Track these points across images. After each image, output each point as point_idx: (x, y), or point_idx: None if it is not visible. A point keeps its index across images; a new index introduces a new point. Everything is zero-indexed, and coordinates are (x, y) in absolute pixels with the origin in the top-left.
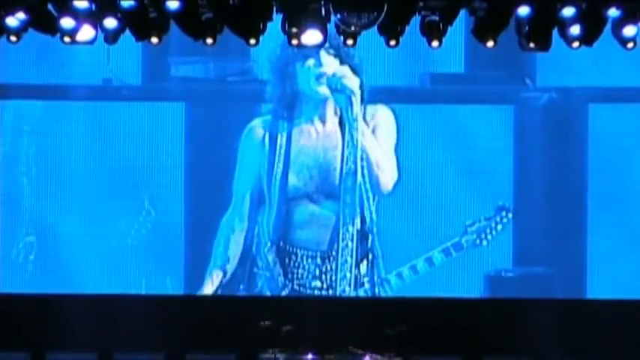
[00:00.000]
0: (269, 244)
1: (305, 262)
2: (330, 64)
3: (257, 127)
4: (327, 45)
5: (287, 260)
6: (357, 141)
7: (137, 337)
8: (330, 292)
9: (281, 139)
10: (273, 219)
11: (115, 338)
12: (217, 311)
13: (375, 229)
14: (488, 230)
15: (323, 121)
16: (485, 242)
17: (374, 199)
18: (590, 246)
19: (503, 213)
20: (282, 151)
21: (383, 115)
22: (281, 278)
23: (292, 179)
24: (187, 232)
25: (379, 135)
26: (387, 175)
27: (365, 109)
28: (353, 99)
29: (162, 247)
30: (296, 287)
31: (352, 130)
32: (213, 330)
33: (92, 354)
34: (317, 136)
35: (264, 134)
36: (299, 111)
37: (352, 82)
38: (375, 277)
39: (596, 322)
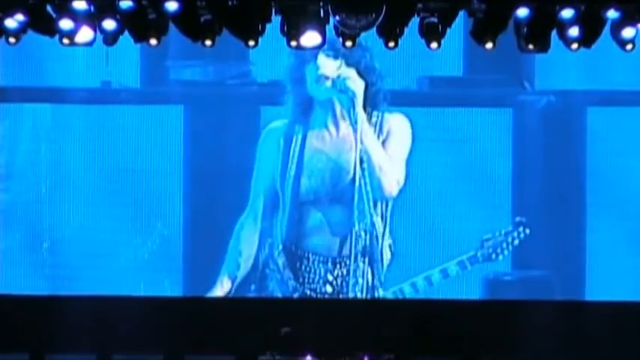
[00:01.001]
0: (280, 246)
1: (316, 267)
2: (328, 65)
3: (273, 130)
4: (325, 47)
5: (298, 264)
6: (356, 142)
7: (136, 339)
8: (342, 297)
9: (295, 142)
10: (285, 222)
11: (114, 340)
12: (216, 313)
13: (375, 233)
14: (504, 245)
15: (336, 123)
16: (500, 257)
17: (375, 203)
18: (589, 248)
19: (521, 228)
20: (296, 154)
21: (397, 123)
22: (292, 282)
23: (305, 182)
24: (186, 235)
25: (390, 141)
26: (391, 179)
27: (383, 115)
28: (355, 101)
29: (161, 249)
30: (307, 291)
31: (354, 132)
32: (211, 332)
33: (91, 355)
34: (331, 139)
35: (280, 137)
36: (314, 114)
37: (356, 84)
38: (375, 281)
39: (595, 323)
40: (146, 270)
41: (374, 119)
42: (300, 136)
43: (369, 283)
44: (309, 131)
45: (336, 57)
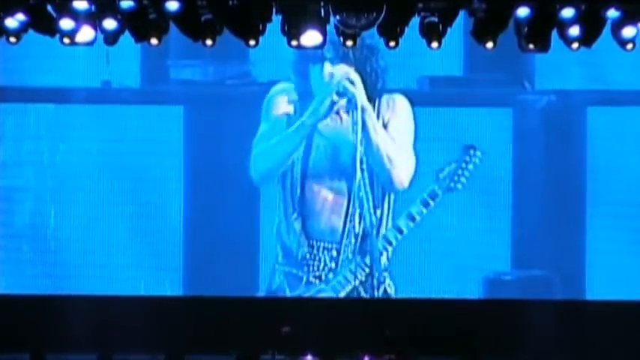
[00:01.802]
0: (295, 214)
1: (321, 254)
2: (336, 69)
3: (280, 95)
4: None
5: (303, 251)
6: (357, 144)
7: (136, 339)
8: (345, 283)
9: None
10: (290, 206)
11: (115, 339)
12: (217, 312)
13: (375, 233)
14: (460, 172)
15: (338, 113)
16: (459, 185)
17: (385, 197)
18: (589, 247)
19: (471, 151)
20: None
21: (399, 106)
22: (298, 271)
23: (310, 165)
24: (186, 234)
25: (393, 127)
26: (401, 171)
27: (380, 98)
28: (356, 103)
29: (161, 248)
30: (312, 279)
31: (354, 133)
32: (212, 331)
33: (92, 355)
34: (335, 126)
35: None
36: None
37: (356, 86)
38: (374, 280)
39: (595, 323)
40: (146, 270)
41: (374, 103)
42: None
43: (369, 279)
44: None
45: (343, 60)
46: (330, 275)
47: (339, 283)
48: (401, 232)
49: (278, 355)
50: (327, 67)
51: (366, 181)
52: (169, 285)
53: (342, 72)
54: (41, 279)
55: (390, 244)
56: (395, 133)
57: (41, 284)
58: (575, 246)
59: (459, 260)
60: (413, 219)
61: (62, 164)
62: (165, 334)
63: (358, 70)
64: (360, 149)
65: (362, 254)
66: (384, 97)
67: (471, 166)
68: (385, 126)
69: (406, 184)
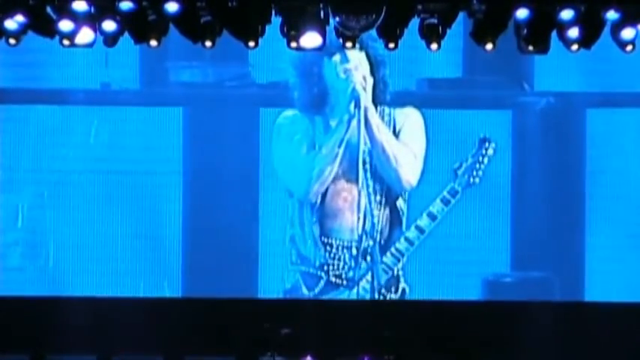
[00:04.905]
0: (314, 218)
1: (340, 253)
2: (355, 57)
3: (288, 126)
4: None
5: (323, 251)
6: (359, 144)
7: (135, 340)
8: (364, 282)
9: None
10: (309, 213)
11: (114, 341)
12: (216, 314)
13: (375, 236)
14: (477, 166)
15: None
16: (477, 179)
17: (390, 199)
18: (588, 249)
19: (487, 144)
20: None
21: (412, 119)
22: (317, 271)
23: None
24: (185, 236)
25: (405, 135)
26: (408, 170)
27: (394, 111)
28: (360, 102)
29: (160, 250)
30: (332, 279)
31: (358, 133)
32: (211, 332)
33: (91, 356)
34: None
35: (303, 142)
36: (331, 105)
37: (363, 80)
38: (375, 282)
39: (594, 325)
40: (145, 271)
41: (387, 111)
42: (322, 128)
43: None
44: (330, 120)
45: (361, 48)
46: (351, 273)
47: (363, 288)
48: (422, 232)
49: (277, 357)
50: (349, 51)
51: (369, 182)
52: (168, 286)
53: (357, 72)
54: (40, 280)
55: (412, 244)
56: (406, 141)
57: (40, 286)
58: (574, 248)
59: (459, 262)
60: (434, 218)
61: (61, 165)
62: (165, 335)
63: (369, 56)
64: (362, 149)
65: (363, 257)
66: (398, 111)
67: (486, 160)
68: (397, 134)
69: (414, 183)
